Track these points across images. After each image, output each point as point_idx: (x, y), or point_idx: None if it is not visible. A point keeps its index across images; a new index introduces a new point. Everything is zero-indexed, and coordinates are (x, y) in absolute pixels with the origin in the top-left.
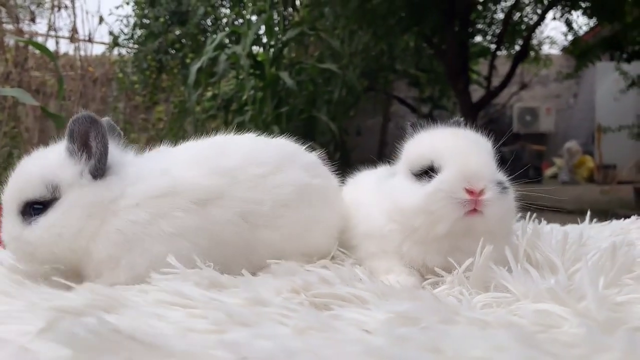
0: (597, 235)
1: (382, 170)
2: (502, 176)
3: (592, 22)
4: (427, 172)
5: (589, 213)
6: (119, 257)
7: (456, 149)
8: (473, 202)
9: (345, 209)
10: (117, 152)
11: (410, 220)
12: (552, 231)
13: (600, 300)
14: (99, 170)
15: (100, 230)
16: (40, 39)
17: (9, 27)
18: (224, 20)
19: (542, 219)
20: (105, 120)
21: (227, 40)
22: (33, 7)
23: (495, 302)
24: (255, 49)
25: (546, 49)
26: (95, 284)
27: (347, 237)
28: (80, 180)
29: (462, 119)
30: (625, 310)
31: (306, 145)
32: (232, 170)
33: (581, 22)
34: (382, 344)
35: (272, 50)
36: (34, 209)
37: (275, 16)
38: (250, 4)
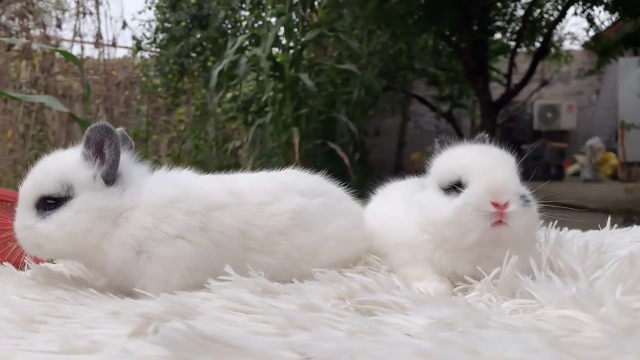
0: (618, 242)
1: (411, 182)
2: (525, 190)
3: (615, 17)
4: (454, 187)
5: (609, 218)
6: (132, 260)
7: (482, 165)
8: (499, 214)
9: (372, 216)
10: (129, 162)
11: (442, 231)
12: (573, 239)
13: (619, 306)
14: (110, 176)
15: (113, 233)
16: (66, 45)
17: (36, 33)
18: (244, 23)
19: (565, 227)
20: (119, 130)
21: (247, 43)
22: (59, 14)
23: (521, 308)
24: (274, 50)
25: (567, 45)
26: (169, 294)
27: (379, 245)
28: (93, 183)
29: (486, 134)
30: None
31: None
32: (239, 193)
33: (603, 17)
34: (429, 346)
35: (291, 52)
36: (47, 203)
37: (294, 17)
38: (269, 7)
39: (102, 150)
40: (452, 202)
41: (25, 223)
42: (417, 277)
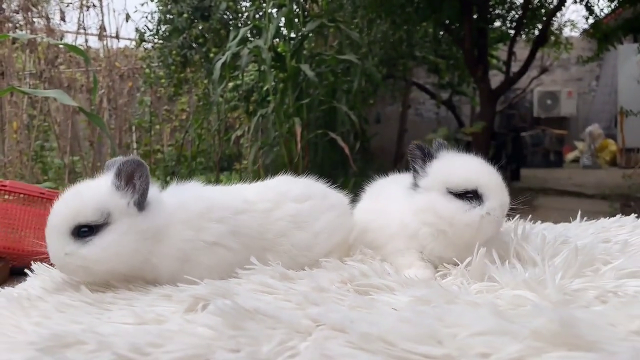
0: (582, 233)
1: (401, 178)
2: None
3: (614, 4)
4: (468, 194)
5: (579, 212)
6: (180, 269)
7: (496, 183)
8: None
9: (364, 212)
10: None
11: (461, 232)
12: (540, 231)
13: (559, 288)
14: (142, 204)
15: (159, 248)
16: (70, 37)
17: (40, 25)
18: (245, 14)
19: (535, 221)
20: (134, 157)
21: (248, 34)
22: (63, 7)
23: (486, 289)
24: (276, 40)
25: (567, 32)
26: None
27: (372, 238)
28: (128, 209)
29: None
30: (578, 295)
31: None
32: (249, 201)
33: (602, 4)
34: (408, 315)
35: (292, 42)
36: (81, 231)
37: (295, 8)
38: None
39: (132, 181)
40: (475, 210)
41: (67, 249)
42: (407, 265)
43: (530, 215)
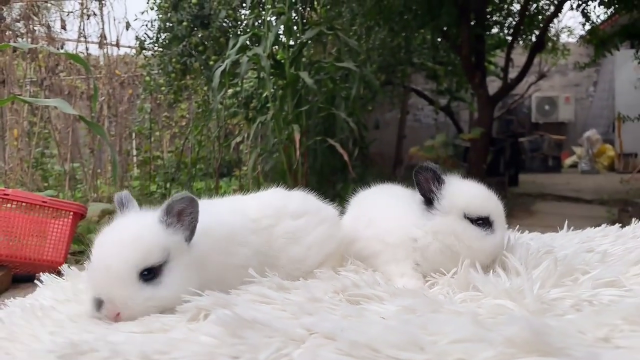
0: (566, 243)
1: (398, 190)
2: None
3: (610, 10)
4: (481, 220)
5: (566, 222)
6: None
7: (502, 211)
8: None
9: (352, 222)
10: None
11: (476, 255)
12: (526, 241)
13: (537, 297)
14: (190, 238)
15: (205, 275)
16: (70, 45)
17: (41, 34)
18: (244, 22)
19: (523, 230)
20: (125, 193)
21: (248, 42)
22: (63, 15)
23: (470, 298)
24: (275, 48)
25: (564, 38)
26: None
27: (361, 246)
28: (182, 245)
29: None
30: (555, 304)
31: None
32: (255, 220)
33: (599, 11)
34: (394, 324)
35: (291, 50)
36: (143, 274)
37: (294, 16)
38: (269, 6)
39: (183, 217)
40: (491, 237)
41: (145, 295)
42: (399, 274)
43: (517, 226)
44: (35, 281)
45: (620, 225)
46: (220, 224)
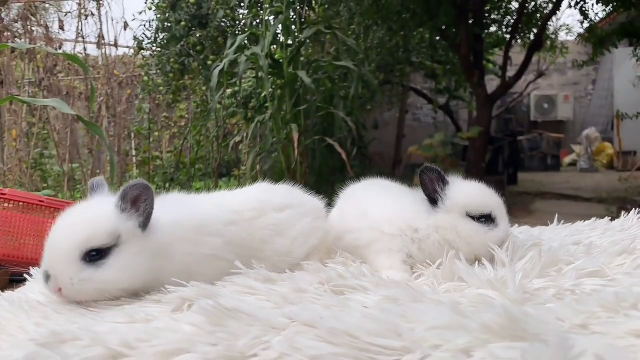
0: (555, 236)
1: (390, 183)
2: None
3: (608, 8)
4: (484, 217)
5: (556, 216)
6: (186, 281)
7: (504, 208)
8: None
9: (343, 214)
10: None
11: (475, 249)
12: (516, 234)
13: (519, 287)
14: (146, 225)
15: (166, 265)
16: (68, 45)
17: (39, 34)
18: (242, 21)
19: (513, 224)
20: (99, 178)
21: (246, 41)
22: (61, 15)
23: (454, 288)
24: (273, 47)
25: (563, 36)
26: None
27: (353, 237)
28: (134, 231)
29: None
30: (537, 293)
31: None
32: (237, 212)
33: (597, 8)
34: (374, 313)
35: (289, 49)
36: (90, 255)
37: (292, 15)
38: (267, 5)
39: (138, 204)
40: (491, 233)
41: (82, 276)
42: (387, 266)
43: (516, 225)
44: (24, 274)
45: (610, 218)
46: (190, 214)
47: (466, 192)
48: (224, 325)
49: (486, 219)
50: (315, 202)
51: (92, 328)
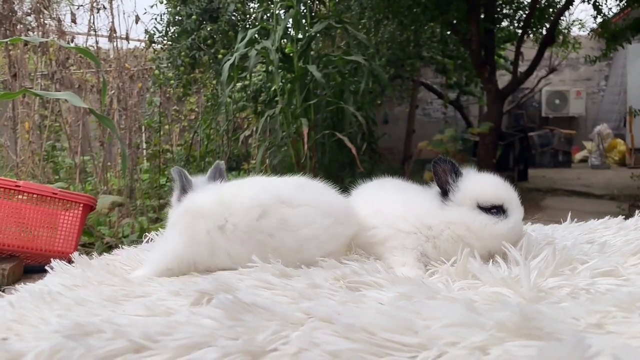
0: (568, 234)
1: (403, 183)
2: None
3: (622, 3)
4: (494, 209)
5: (569, 214)
6: None
7: (517, 199)
8: None
9: (359, 212)
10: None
11: (487, 242)
12: (529, 232)
13: (534, 286)
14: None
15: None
16: (80, 38)
17: (52, 27)
18: (253, 15)
19: (526, 222)
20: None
21: (256, 35)
22: (74, 9)
23: (468, 286)
24: (283, 41)
25: (575, 31)
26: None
27: (370, 234)
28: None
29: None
30: (552, 292)
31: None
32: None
33: (611, 3)
34: (388, 309)
35: (299, 43)
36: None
37: (302, 9)
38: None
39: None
40: (502, 223)
41: None
42: (401, 263)
43: (528, 222)
44: (46, 267)
45: (624, 217)
46: (192, 199)
47: (478, 183)
48: (243, 320)
49: (497, 210)
50: (342, 205)
51: (114, 320)
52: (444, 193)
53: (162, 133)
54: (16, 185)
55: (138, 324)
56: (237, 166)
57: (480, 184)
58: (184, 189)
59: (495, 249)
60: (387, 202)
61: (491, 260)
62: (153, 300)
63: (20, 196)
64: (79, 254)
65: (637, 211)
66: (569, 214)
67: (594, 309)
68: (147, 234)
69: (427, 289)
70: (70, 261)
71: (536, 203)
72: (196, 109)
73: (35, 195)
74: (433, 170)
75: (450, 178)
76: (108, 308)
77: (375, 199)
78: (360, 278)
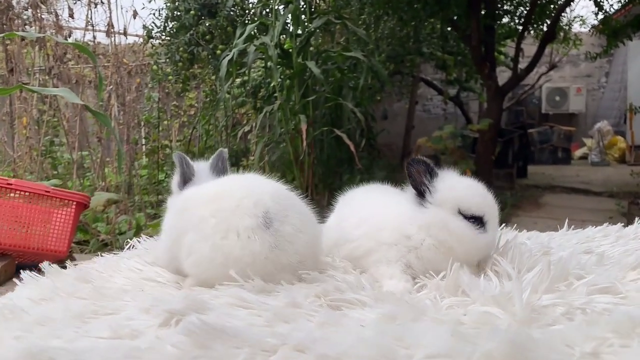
0: (565, 243)
1: (388, 189)
2: None
3: (623, 0)
4: (474, 218)
5: (567, 221)
6: None
7: (497, 212)
8: None
9: (342, 221)
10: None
11: (467, 249)
12: (524, 240)
13: (527, 305)
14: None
15: None
16: (78, 33)
17: (49, 22)
18: (252, 11)
19: (521, 230)
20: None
21: (255, 31)
22: (71, 3)
23: (457, 304)
24: (282, 37)
25: (576, 28)
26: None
27: (354, 246)
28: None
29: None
30: (545, 312)
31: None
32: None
33: (612, 0)
34: (369, 334)
35: (298, 39)
36: None
37: (302, 4)
38: None
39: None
40: (483, 237)
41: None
42: (388, 275)
43: (515, 224)
44: (14, 279)
45: (623, 224)
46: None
47: (462, 189)
48: (210, 348)
49: (477, 221)
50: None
51: (73, 345)
52: (420, 194)
53: (161, 129)
54: (8, 183)
55: (97, 350)
56: (236, 162)
57: (465, 190)
58: (185, 176)
59: (475, 257)
60: (370, 211)
61: (483, 273)
62: (120, 320)
63: (12, 194)
64: (49, 264)
65: (637, 219)
66: (566, 221)
67: (590, 334)
68: (129, 240)
69: (413, 308)
70: (61, 261)
71: (535, 200)
72: (195, 105)
73: (27, 193)
74: (407, 171)
75: (426, 179)
76: (71, 327)
77: (360, 209)
78: (343, 295)
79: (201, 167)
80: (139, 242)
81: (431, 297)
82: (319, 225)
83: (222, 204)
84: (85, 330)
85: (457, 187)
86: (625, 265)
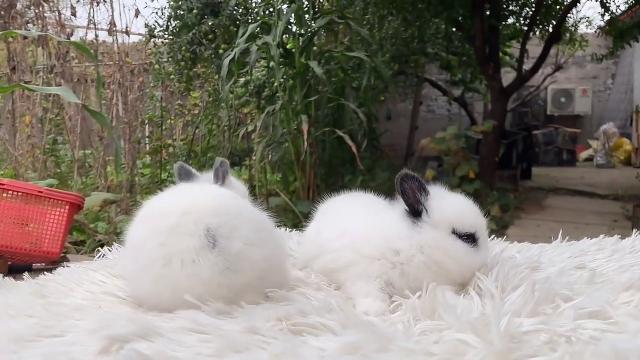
0: (556, 257)
1: (371, 199)
2: None
3: (630, 1)
4: (467, 235)
5: (560, 232)
6: None
7: (485, 228)
8: None
9: (321, 232)
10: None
11: (462, 270)
12: (513, 254)
13: (505, 332)
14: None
15: None
16: (80, 32)
17: (51, 20)
18: (255, 10)
19: (515, 241)
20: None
21: (258, 30)
22: (73, 2)
23: (431, 329)
24: (285, 37)
25: (582, 29)
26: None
27: (331, 258)
28: None
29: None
30: (526, 340)
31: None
32: None
33: (618, 1)
34: None
35: (301, 39)
36: None
37: (305, 4)
38: None
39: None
40: (476, 255)
41: None
42: (364, 293)
43: (506, 235)
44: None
45: (621, 236)
46: None
47: (455, 207)
48: None
49: (469, 238)
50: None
51: None
52: (414, 213)
53: (164, 128)
54: (0, 184)
55: None
56: (239, 161)
57: (458, 209)
58: None
59: (466, 278)
60: (354, 222)
61: (465, 291)
62: (57, 346)
63: (5, 194)
64: (2, 276)
65: (634, 231)
66: (560, 232)
67: None
68: (99, 249)
69: (379, 337)
70: (54, 262)
71: (538, 202)
72: (199, 104)
73: (19, 194)
74: (400, 187)
75: (421, 197)
76: (6, 353)
77: (342, 219)
78: (306, 319)
79: (205, 177)
80: (109, 250)
81: (405, 320)
82: (277, 230)
83: (163, 222)
84: (18, 357)
85: (451, 207)
86: (618, 285)
